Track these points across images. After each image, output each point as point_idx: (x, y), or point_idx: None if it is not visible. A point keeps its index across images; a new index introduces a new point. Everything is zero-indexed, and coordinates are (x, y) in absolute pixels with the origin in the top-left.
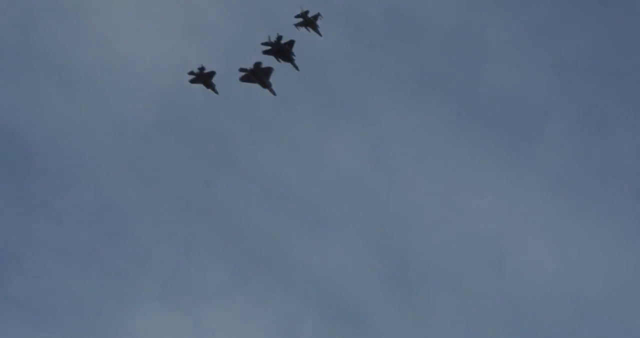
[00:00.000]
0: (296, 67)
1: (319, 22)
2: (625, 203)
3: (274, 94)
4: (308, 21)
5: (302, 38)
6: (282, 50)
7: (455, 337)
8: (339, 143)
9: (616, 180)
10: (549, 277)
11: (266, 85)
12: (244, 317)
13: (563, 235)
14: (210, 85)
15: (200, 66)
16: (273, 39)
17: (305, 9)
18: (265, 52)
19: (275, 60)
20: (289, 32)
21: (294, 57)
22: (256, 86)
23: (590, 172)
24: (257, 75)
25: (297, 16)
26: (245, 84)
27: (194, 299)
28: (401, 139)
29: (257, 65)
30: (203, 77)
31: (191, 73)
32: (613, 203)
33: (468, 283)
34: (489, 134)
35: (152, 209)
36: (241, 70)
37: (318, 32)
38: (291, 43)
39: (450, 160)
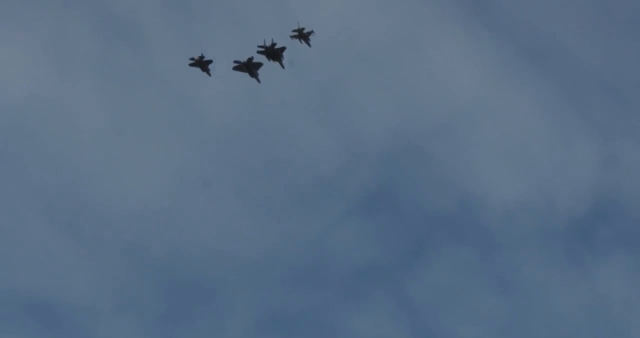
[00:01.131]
0: (283, 66)
1: (311, 37)
2: None
3: (259, 82)
4: (302, 35)
5: (294, 46)
6: (274, 53)
7: None
8: None
9: None
10: None
11: (254, 75)
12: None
13: None
14: (206, 70)
15: (200, 55)
16: (268, 44)
17: (302, 27)
18: (259, 52)
19: (266, 60)
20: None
21: (282, 59)
22: (245, 74)
23: None
24: (249, 67)
25: (294, 30)
26: (236, 72)
27: None
28: None
29: (250, 59)
30: (201, 63)
31: (192, 59)
32: None
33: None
34: None
35: None
36: (235, 61)
37: (308, 44)
38: (283, 49)
39: None
